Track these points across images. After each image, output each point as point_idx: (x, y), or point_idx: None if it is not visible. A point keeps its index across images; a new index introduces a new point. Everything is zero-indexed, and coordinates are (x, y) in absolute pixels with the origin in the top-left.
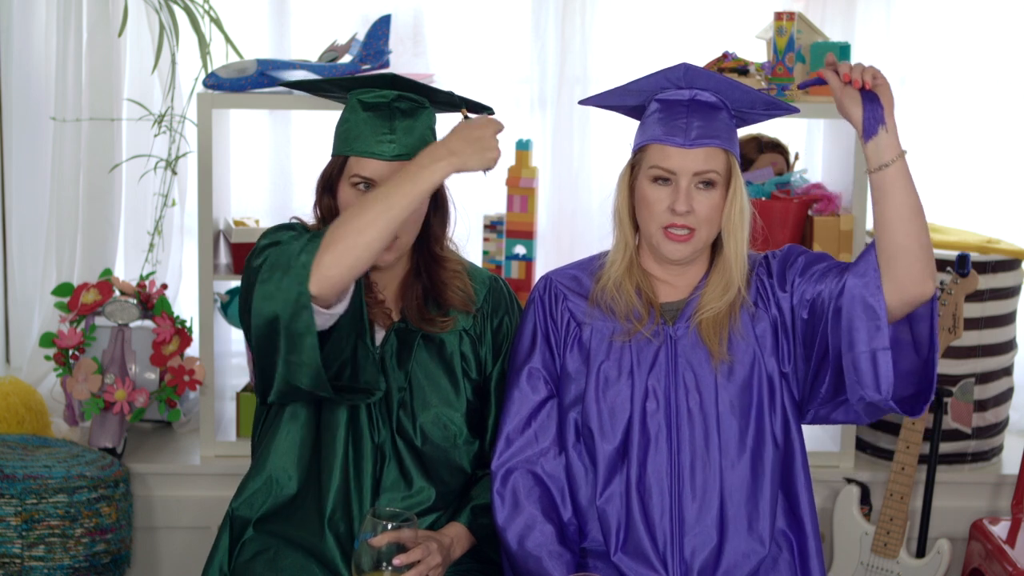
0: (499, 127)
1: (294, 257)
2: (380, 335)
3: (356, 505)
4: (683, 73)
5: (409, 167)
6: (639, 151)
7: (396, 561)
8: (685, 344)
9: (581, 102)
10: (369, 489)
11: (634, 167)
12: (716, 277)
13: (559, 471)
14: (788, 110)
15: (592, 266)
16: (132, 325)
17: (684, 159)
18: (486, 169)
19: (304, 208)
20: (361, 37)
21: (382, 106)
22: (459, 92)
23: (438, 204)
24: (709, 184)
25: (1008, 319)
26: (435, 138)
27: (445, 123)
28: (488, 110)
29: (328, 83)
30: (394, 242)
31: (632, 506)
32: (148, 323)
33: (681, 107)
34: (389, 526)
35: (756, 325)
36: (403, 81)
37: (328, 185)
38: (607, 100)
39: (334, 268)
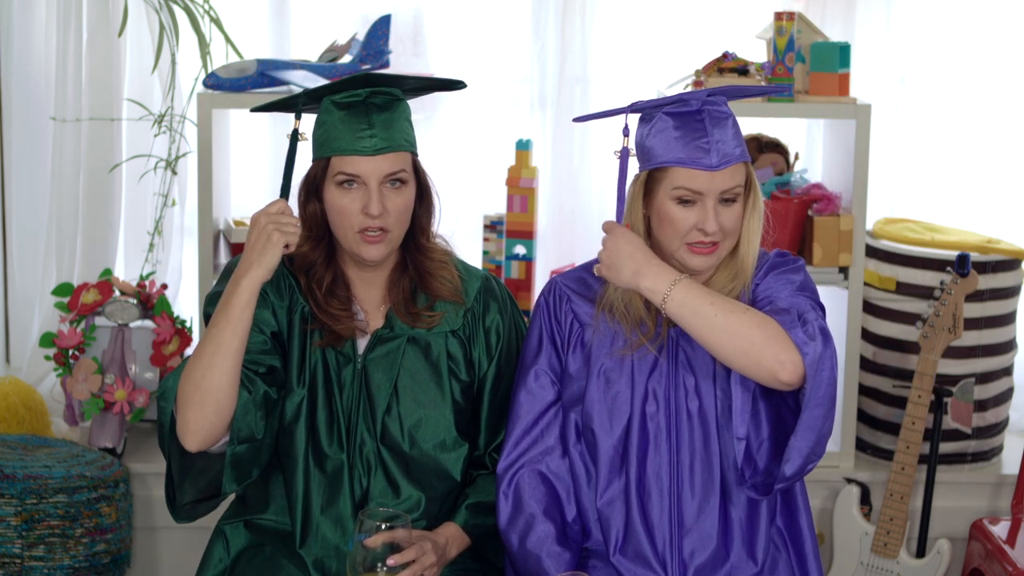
0: (276, 207)
1: (166, 423)
2: (363, 343)
3: (333, 530)
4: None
5: (221, 301)
6: (657, 169)
7: (390, 561)
8: (686, 346)
9: (576, 119)
10: (349, 506)
11: (648, 183)
12: (723, 270)
13: (564, 471)
14: (774, 90)
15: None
16: (132, 325)
17: (711, 181)
18: (287, 250)
19: None
20: (361, 37)
21: (356, 104)
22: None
23: (423, 195)
24: (734, 198)
25: (1008, 319)
26: (412, 129)
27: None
28: (461, 85)
29: (299, 97)
30: (385, 235)
31: (631, 507)
32: (148, 323)
33: (696, 123)
34: (383, 527)
35: None
36: (375, 77)
37: (313, 189)
38: (602, 116)
39: (200, 423)
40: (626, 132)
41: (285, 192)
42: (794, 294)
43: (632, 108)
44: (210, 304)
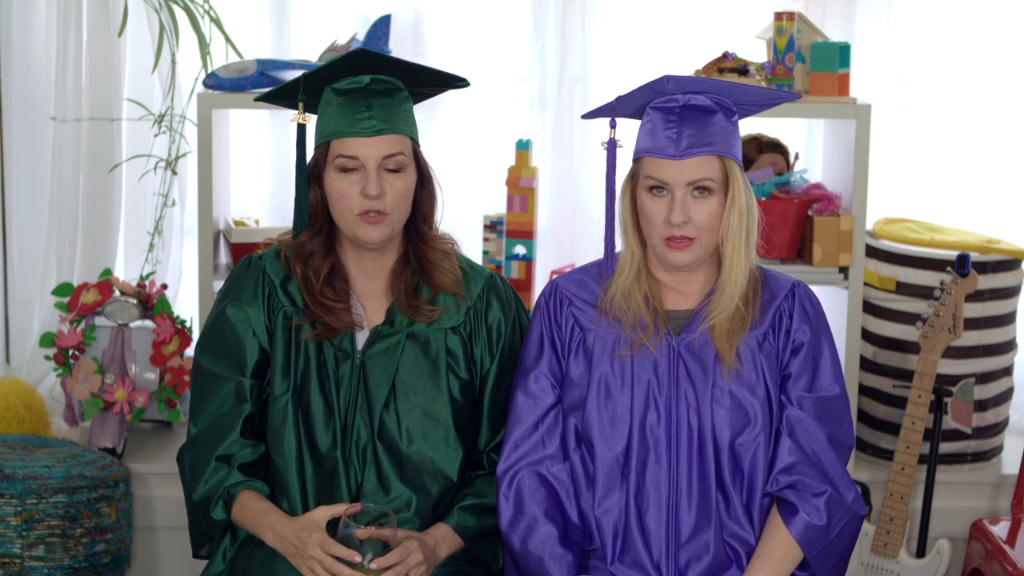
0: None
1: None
2: (362, 338)
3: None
4: (666, 84)
5: (252, 525)
6: (636, 161)
7: (374, 565)
8: (687, 358)
9: (584, 116)
10: (347, 501)
11: (634, 177)
12: (718, 297)
13: (564, 474)
14: (786, 98)
15: (600, 271)
16: (132, 325)
17: (676, 170)
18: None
19: None
20: (361, 37)
21: (356, 91)
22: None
23: (423, 181)
24: (705, 191)
25: (1008, 319)
26: (413, 118)
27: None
28: (464, 83)
29: (298, 81)
30: (384, 218)
31: (629, 517)
32: (148, 323)
33: (672, 115)
34: (365, 527)
35: (762, 347)
36: (372, 56)
37: (314, 176)
38: (605, 114)
39: None
40: (613, 123)
41: (302, 208)
42: (824, 447)
43: (616, 101)
44: (202, 349)
